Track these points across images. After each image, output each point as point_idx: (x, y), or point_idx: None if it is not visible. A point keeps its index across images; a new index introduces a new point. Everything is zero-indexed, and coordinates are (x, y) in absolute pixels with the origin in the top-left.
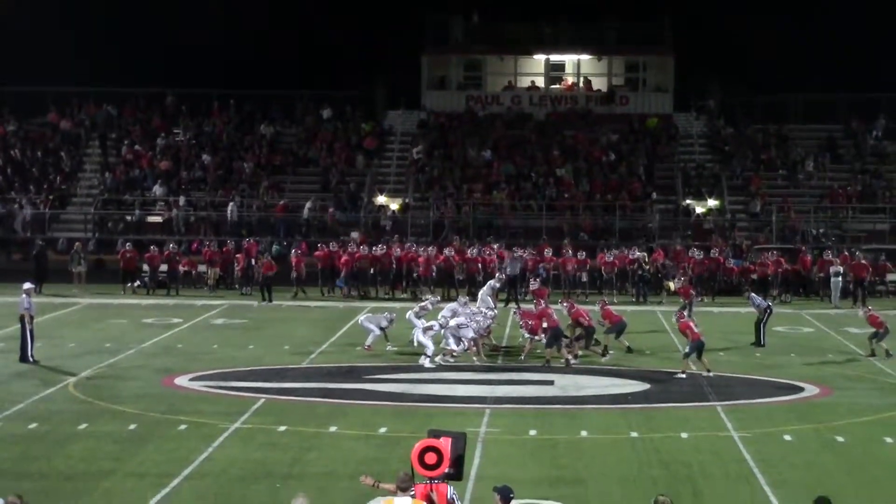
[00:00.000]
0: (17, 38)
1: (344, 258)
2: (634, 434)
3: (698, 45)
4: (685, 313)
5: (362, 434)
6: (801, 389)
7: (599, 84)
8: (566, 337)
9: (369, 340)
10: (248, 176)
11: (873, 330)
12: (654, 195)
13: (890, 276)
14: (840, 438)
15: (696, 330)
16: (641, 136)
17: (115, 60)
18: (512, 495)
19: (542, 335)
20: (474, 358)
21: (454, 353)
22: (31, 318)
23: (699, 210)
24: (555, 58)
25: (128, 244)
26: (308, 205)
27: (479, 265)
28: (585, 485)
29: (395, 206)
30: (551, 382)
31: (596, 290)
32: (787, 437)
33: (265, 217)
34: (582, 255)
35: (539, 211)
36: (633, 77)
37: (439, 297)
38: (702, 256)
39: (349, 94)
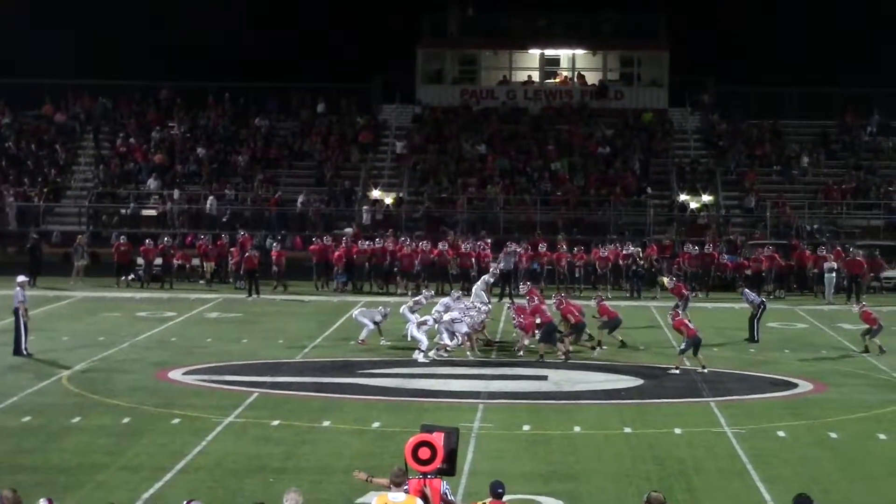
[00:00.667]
0: (13, 30)
1: (337, 253)
2: (628, 430)
3: (693, 40)
4: (679, 311)
5: (356, 428)
6: (795, 385)
7: (594, 78)
8: (560, 332)
9: (363, 335)
10: (243, 169)
11: (867, 326)
12: (649, 190)
13: (885, 273)
14: (833, 434)
15: (691, 326)
16: (636, 131)
17: (111, 53)
18: (501, 490)
19: (536, 332)
20: (468, 353)
21: (448, 348)
22: (26, 310)
23: (693, 205)
24: (549, 52)
25: (122, 237)
26: (300, 198)
27: (473, 260)
28: (579, 480)
29: (389, 200)
30: (545, 378)
31: (590, 286)
32: (781, 433)
33: (259, 211)
34: (576, 250)
35: (533, 205)
36: (628, 72)
37: (433, 292)
38: (698, 251)
39: (344, 88)
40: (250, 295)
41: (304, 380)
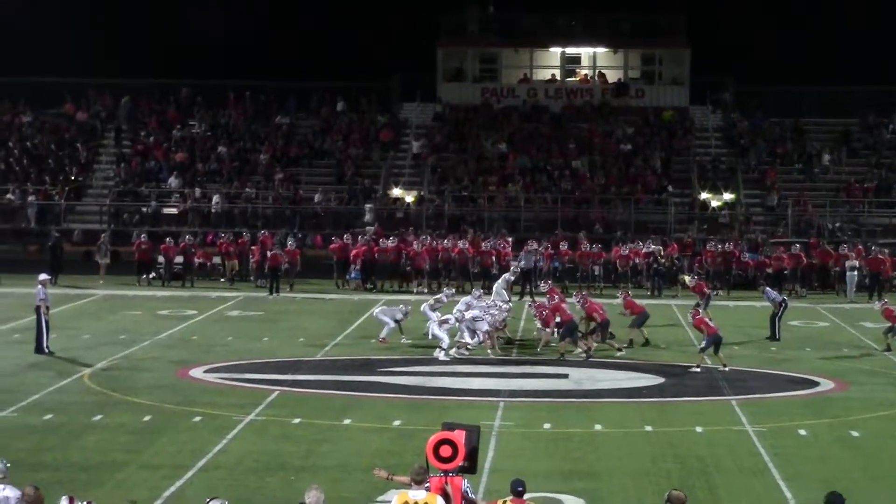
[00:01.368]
0: (34, 29)
1: (354, 251)
2: (649, 428)
3: (714, 38)
4: (699, 310)
5: (376, 427)
6: (816, 384)
7: (615, 77)
8: (580, 332)
9: (384, 333)
10: (264, 168)
11: (889, 324)
12: (670, 188)
13: None
14: (855, 433)
15: (711, 325)
16: (657, 130)
17: (130, 52)
18: (522, 488)
19: (556, 329)
20: (489, 351)
21: (469, 346)
22: (47, 309)
23: (715, 204)
24: (570, 51)
25: (143, 235)
26: (317, 197)
27: (494, 258)
28: (599, 478)
29: (410, 198)
30: (566, 376)
31: (611, 284)
32: (802, 432)
33: (279, 210)
34: (597, 248)
35: (554, 204)
36: (649, 70)
37: (454, 290)
38: (721, 249)
39: (365, 86)
40: (271, 293)
41: (325, 378)
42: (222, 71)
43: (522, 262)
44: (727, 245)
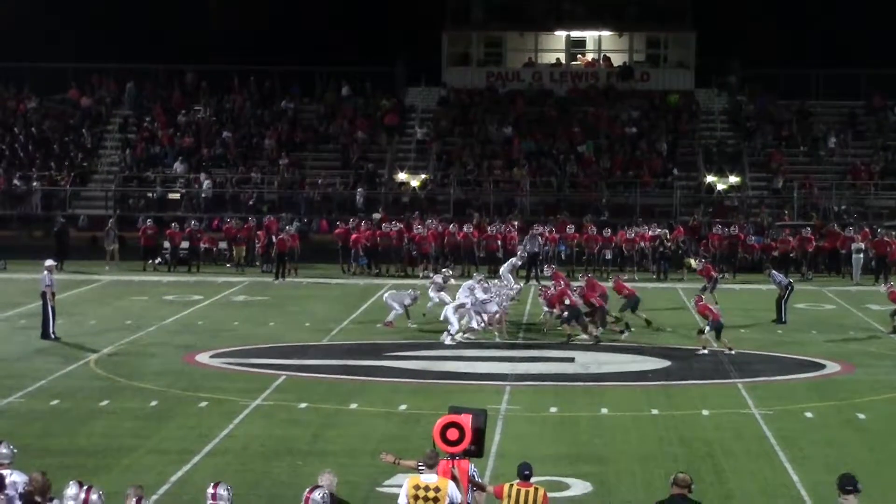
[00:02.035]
0: (38, 14)
1: (354, 236)
2: (655, 411)
3: (719, 20)
4: (703, 296)
5: (383, 411)
6: (823, 366)
7: (620, 60)
8: (588, 315)
9: (390, 317)
10: (269, 153)
11: (895, 307)
12: (676, 172)
13: None
14: (861, 415)
15: (715, 311)
16: (663, 113)
17: (135, 37)
18: (528, 472)
19: (561, 312)
20: (496, 334)
21: (475, 330)
22: (53, 294)
23: (721, 187)
24: (575, 34)
25: (149, 221)
26: (319, 181)
27: (499, 242)
28: (605, 462)
29: (415, 182)
30: (572, 360)
31: (617, 268)
32: (809, 415)
33: (285, 195)
34: (605, 232)
35: (559, 188)
36: (654, 53)
37: (451, 272)
38: (727, 232)
39: (370, 71)
40: (278, 278)
41: (331, 362)
42: (227, 56)
43: (528, 247)
44: (733, 228)
